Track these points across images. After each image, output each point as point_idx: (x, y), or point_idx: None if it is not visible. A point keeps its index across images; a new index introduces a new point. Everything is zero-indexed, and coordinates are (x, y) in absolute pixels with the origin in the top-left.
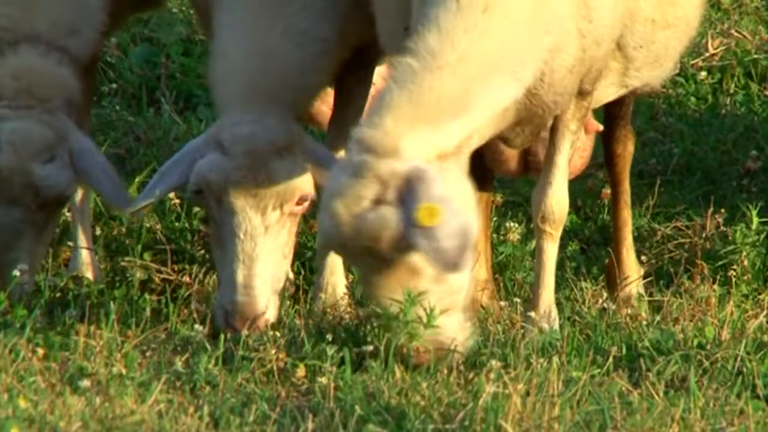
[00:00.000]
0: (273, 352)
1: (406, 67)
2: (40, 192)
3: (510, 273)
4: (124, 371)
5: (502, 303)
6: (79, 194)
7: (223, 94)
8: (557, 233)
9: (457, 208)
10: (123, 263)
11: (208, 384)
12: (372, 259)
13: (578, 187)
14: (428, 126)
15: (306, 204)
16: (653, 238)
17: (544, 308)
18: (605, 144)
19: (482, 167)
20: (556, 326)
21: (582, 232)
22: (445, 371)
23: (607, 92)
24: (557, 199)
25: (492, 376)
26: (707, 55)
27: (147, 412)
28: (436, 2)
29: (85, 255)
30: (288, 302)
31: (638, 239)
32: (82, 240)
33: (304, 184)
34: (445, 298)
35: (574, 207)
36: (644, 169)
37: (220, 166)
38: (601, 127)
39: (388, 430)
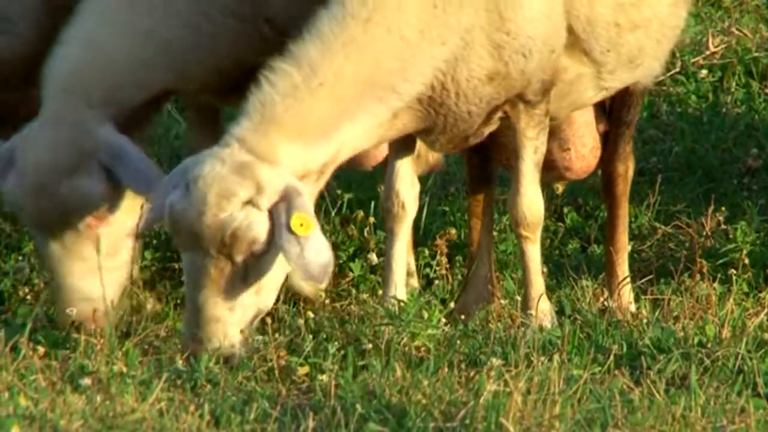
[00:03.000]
0: (274, 350)
1: (287, 78)
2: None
3: (511, 271)
4: (124, 369)
5: (503, 301)
6: None
7: (47, 84)
8: (535, 236)
9: (319, 231)
10: None
11: (209, 382)
12: (197, 251)
13: (579, 185)
14: (303, 145)
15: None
16: (654, 236)
17: (536, 306)
18: (605, 163)
19: (487, 164)
20: (548, 323)
21: (583, 231)
22: (446, 369)
23: (585, 95)
24: (528, 205)
25: (493, 374)
26: (708, 53)
27: (148, 411)
28: (327, 6)
29: None
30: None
31: (639, 237)
32: None
33: (96, 201)
34: (253, 312)
35: (575, 205)
36: (645, 167)
37: (13, 184)
38: (604, 127)
39: (388, 428)
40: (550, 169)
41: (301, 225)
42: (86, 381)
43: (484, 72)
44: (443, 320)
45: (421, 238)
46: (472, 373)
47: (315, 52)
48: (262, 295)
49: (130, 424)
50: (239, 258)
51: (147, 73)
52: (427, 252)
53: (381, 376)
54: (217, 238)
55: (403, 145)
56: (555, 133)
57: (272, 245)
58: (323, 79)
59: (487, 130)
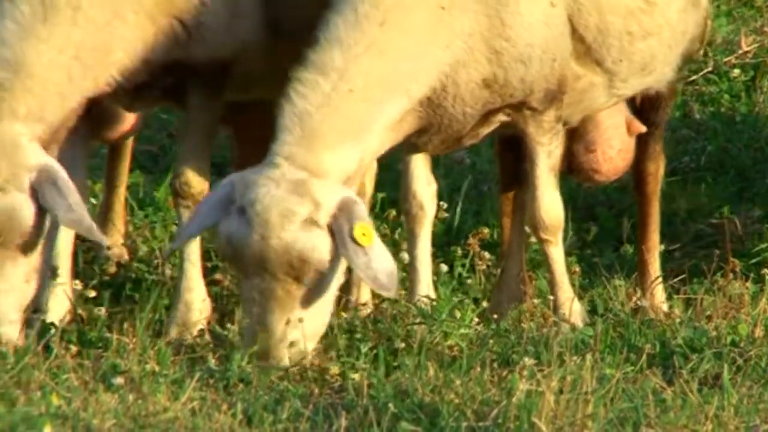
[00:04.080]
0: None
1: (316, 87)
2: None
3: (543, 270)
4: (157, 369)
5: (535, 300)
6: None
7: None
8: (556, 238)
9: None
10: (157, 261)
11: (241, 381)
12: (263, 276)
13: (611, 184)
14: (342, 149)
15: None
16: (686, 235)
17: (566, 307)
18: (636, 163)
19: (519, 163)
20: (580, 322)
21: (615, 230)
22: (479, 368)
23: (597, 102)
24: (545, 209)
25: (525, 373)
26: (740, 52)
27: (180, 410)
28: (337, 10)
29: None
30: None
31: (671, 237)
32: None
33: (24, 220)
34: (317, 326)
35: (607, 205)
36: (677, 166)
37: None
38: (644, 129)
39: (421, 427)
40: (577, 172)
41: (364, 235)
42: (119, 380)
43: (481, 77)
44: (476, 319)
45: (454, 237)
46: (504, 373)
47: (338, 58)
48: (325, 308)
49: (162, 424)
50: (308, 277)
51: (69, 84)
52: (459, 251)
53: (413, 375)
54: (283, 260)
55: (413, 146)
56: (581, 135)
57: (336, 260)
58: (353, 85)
59: (484, 132)
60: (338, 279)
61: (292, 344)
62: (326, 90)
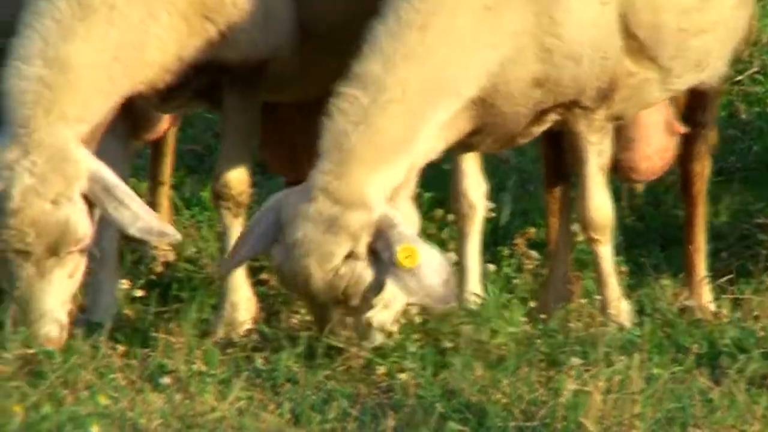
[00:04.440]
0: (354, 349)
1: (355, 102)
2: None
3: (590, 270)
4: (204, 368)
5: (582, 300)
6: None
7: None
8: (605, 237)
9: (426, 245)
10: (204, 260)
11: (288, 381)
12: (333, 307)
13: (658, 184)
14: (385, 166)
15: (85, 241)
16: (733, 235)
17: (613, 306)
18: (682, 163)
19: (564, 162)
20: (628, 322)
21: (662, 230)
22: (526, 368)
23: (651, 97)
24: (595, 208)
25: (573, 373)
26: None
27: (227, 409)
28: (380, 17)
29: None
30: None
31: (718, 237)
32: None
33: (79, 228)
34: (390, 320)
35: (654, 204)
36: (723, 166)
37: None
38: (684, 129)
39: (469, 427)
40: (615, 170)
41: (407, 257)
42: (166, 380)
43: (532, 76)
44: (523, 319)
45: (501, 237)
46: (552, 373)
47: (378, 68)
48: (392, 304)
49: (209, 423)
50: (356, 302)
51: (110, 84)
52: (506, 251)
53: (461, 375)
54: (330, 295)
55: (466, 146)
56: (620, 133)
57: (382, 276)
58: (391, 96)
59: (537, 130)
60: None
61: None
62: (365, 104)
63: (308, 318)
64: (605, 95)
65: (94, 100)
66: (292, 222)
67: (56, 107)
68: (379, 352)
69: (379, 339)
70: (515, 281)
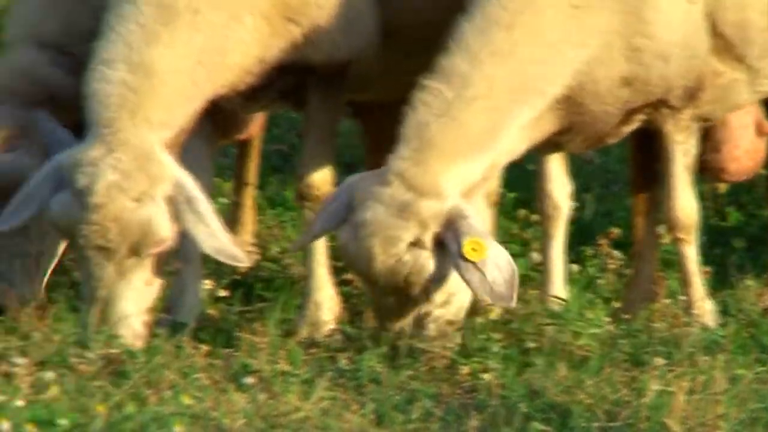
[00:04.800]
0: (437, 349)
1: (439, 96)
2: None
3: (674, 270)
4: (288, 368)
5: (666, 300)
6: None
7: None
8: (690, 237)
9: (494, 242)
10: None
11: (372, 381)
12: (392, 294)
13: (742, 184)
14: (463, 161)
15: (166, 244)
16: None
17: (698, 307)
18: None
19: (652, 163)
20: (712, 322)
21: (746, 230)
22: (610, 368)
23: (740, 98)
24: (681, 207)
25: (656, 373)
26: None
27: (311, 409)
28: (467, 14)
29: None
30: None
31: None
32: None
33: (161, 229)
34: (449, 317)
35: (738, 204)
36: None
37: (72, 215)
38: None
39: (552, 428)
40: (703, 170)
41: (474, 250)
42: (249, 380)
43: (620, 75)
44: (607, 319)
45: (584, 237)
46: (635, 373)
47: (464, 64)
48: (453, 300)
49: (293, 423)
50: (416, 292)
51: (193, 89)
52: (590, 251)
53: (544, 375)
54: (390, 282)
55: (555, 145)
56: (708, 134)
57: (446, 269)
58: (476, 92)
59: (626, 130)
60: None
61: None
62: (449, 98)
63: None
64: (692, 95)
65: (178, 106)
66: (363, 202)
67: (141, 111)
68: (463, 352)
69: (433, 334)
70: (599, 281)
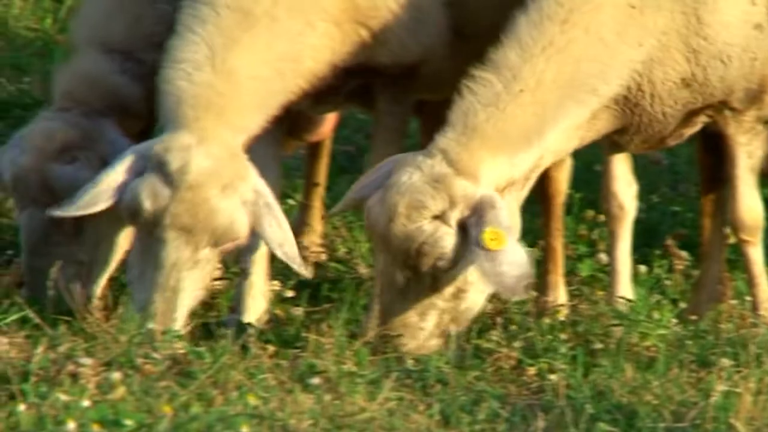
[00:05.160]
0: (505, 350)
1: (488, 86)
2: (55, 192)
3: (741, 271)
4: (354, 369)
5: (733, 301)
6: None
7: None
8: (756, 239)
9: (515, 238)
10: (355, 261)
11: (438, 382)
12: (385, 256)
13: None
14: (506, 155)
15: (239, 241)
16: None
17: (765, 308)
18: None
19: (721, 164)
20: None
21: None
22: (677, 369)
23: None
24: (746, 209)
25: (723, 374)
26: None
27: (377, 410)
28: (524, 9)
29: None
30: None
31: None
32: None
33: (240, 225)
34: (454, 314)
35: None
36: None
37: (160, 195)
38: None
39: (618, 429)
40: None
41: (493, 239)
42: (316, 380)
43: (679, 76)
44: (674, 320)
45: (652, 238)
46: (702, 374)
47: (515, 57)
48: (464, 297)
49: (359, 424)
50: (425, 269)
51: (270, 95)
52: (657, 252)
53: (611, 376)
54: (403, 248)
55: (616, 146)
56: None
57: (463, 256)
58: (524, 85)
59: (688, 132)
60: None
61: (415, 331)
62: (498, 89)
63: None
64: (755, 97)
65: (256, 111)
66: (402, 167)
67: (224, 115)
68: (530, 352)
69: (431, 328)
70: (666, 282)
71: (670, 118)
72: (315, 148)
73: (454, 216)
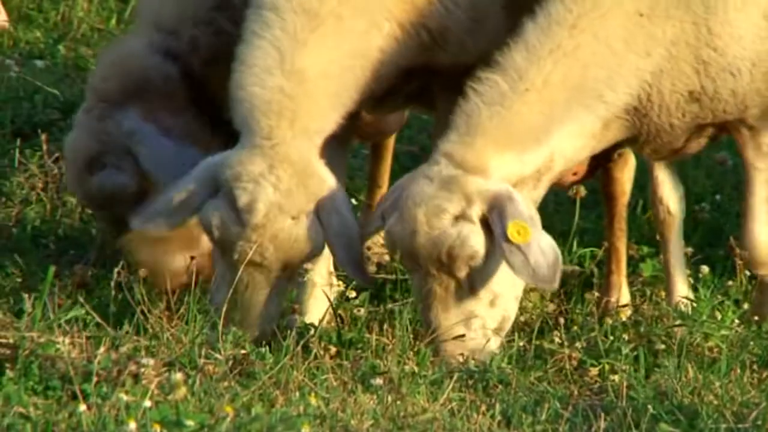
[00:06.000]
0: (567, 350)
1: (494, 86)
2: (101, 201)
3: None
4: (416, 369)
5: None
6: None
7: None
8: None
9: (538, 227)
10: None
11: (500, 382)
12: (434, 272)
13: None
14: (513, 152)
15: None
16: None
17: None
18: None
19: None
20: None
21: None
22: (739, 370)
23: None
24: (760, 245)
25: None
26: None
27: (439, 411)
28: (531, 16)
29: None
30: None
31: None
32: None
33: (313, 244)
34: (495, 323)
35: None
36: None
37: (229, 230)
38: None
39: (680, 429)
40: None
41: (518, 233)
42: (377, 381)
43: (687, 88)
44: (736, 321)
45: (716, 238)
46: (764, 375)
47: (521, 58)
48: (499, 303)
49: (420, 424)
50: (461, 273)
51: (341, 95)
52: (720, 252)
53: (673, 376)
54: (433, 256)
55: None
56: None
57: (492, 254)
58: (530, 85)
59: (703, 143)
60: (510, 276)
61: (465, 340)
62: (503, 89)
63: (521, 320)
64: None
65: (331, 111)
66: (411, 182)
67: (299, 120)
68: (592, 353)
69: (478, 338)
70: (729, 283)
71: (678, 130)
72: (379, 150)
73: (475, 212)
